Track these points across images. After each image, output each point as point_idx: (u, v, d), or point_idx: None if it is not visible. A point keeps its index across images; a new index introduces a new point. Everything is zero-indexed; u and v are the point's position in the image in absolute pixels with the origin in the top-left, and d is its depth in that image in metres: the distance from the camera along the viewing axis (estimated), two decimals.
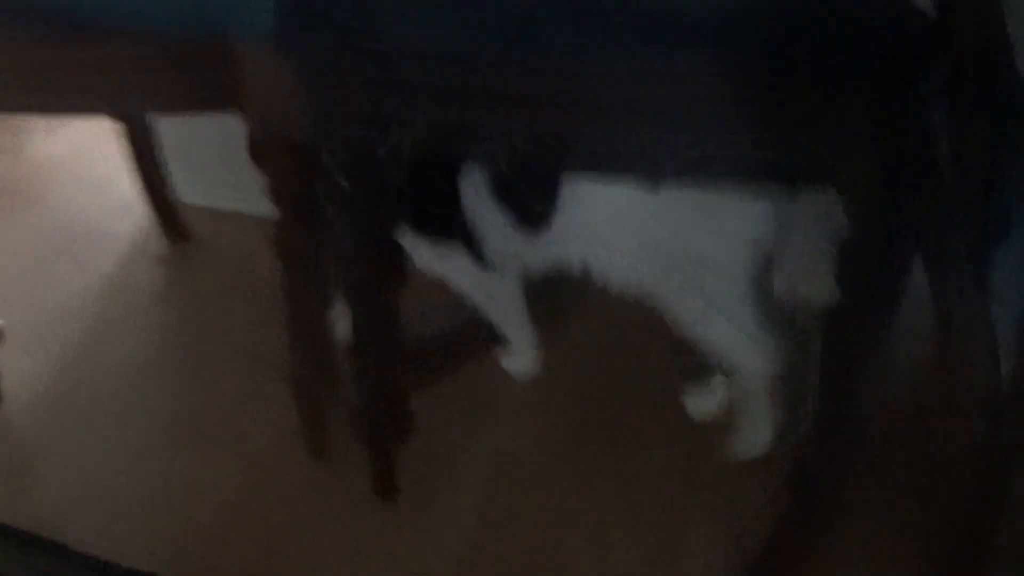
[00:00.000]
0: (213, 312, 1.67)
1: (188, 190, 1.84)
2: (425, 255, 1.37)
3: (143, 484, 1.36)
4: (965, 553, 1.01)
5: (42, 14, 1.09)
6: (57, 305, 1.70)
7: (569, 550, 1.28)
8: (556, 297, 1.58)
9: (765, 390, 1.32)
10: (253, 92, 1.08)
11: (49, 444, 1.43)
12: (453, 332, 1.55)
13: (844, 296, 0.99)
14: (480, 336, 1.51)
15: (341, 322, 1.28)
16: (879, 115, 0.91)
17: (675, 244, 1.23)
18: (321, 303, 1.27)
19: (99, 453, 1.41)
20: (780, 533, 1.17)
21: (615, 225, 1.25)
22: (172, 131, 1.70)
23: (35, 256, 1.81)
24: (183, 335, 1.64)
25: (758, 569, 1.21)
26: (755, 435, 1.35)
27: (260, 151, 1.13)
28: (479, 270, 1.38)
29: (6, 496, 1.35)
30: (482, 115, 1.02)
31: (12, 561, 1.27)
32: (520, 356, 1.52)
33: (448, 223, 1.33)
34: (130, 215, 1.86)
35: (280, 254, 1.20)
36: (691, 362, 1.36)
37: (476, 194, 1.30)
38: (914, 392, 1.12)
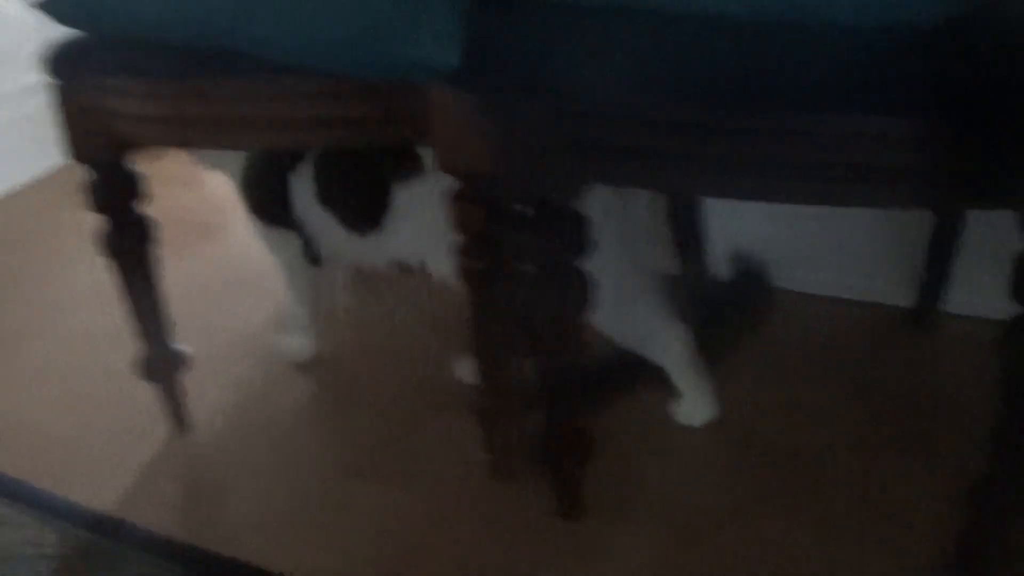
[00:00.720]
0: (395, 337, 1.70)
1: None
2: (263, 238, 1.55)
3: (328, 507, 1.38)
4: None
5: (230, 51, 1.13)
6: (241, 333, 1.76)
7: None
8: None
9: (690, 367, 1.44)
10: (438, 131, 1.09)
11: (235, 469, 1.46)
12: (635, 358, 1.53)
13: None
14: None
15: (525, 348, 1.29)
16: None
17: None
18: (506, 330, 1.27)
19: (285, 477, 1.44)
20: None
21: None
22: None
23: (219, 284, 1.88)
24: (366, 360, 1.67)
25: None
26: (696, 405, 1.47)
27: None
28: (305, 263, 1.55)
29: (195, 519, 1.39)
30: (660, 171, 1.02)
31: None
32: None
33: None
34: None
35: (466, 282, 1.21)
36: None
37: (305, 196, 1.46)
38: None
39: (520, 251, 1.16)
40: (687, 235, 1.64)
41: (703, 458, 1.42)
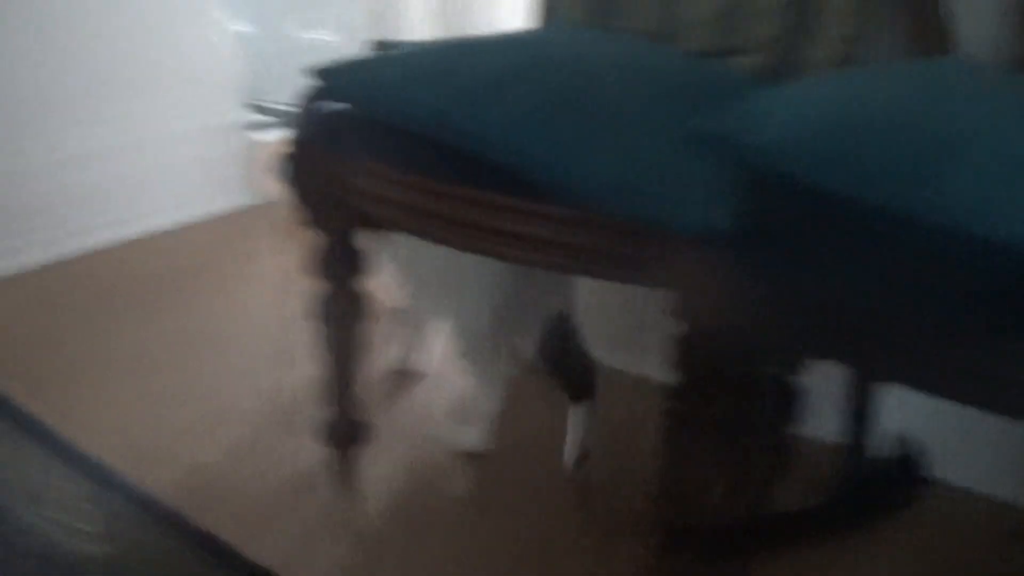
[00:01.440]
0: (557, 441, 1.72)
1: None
2: None
3: None
4: None
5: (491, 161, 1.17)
6: (418, 415, 1.81)
7: None
8: None
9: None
10: (680, 278, 1.12)
11: (393, 548, 1.48)
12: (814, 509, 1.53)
13: None
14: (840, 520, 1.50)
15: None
16: None
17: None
18: (700, 478, 1.28)
19: (437, 563, 1.45)
20: None
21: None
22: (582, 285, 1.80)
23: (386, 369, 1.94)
24: (538, 459, 1.69)
25: None
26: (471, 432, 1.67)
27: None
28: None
29: None
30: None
31: None
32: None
33: None
34: None
35: (667, 421, 1.23)
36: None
37: None
38: None
39: (728, 410, 1.18)
40: (858, 408, 1.64)
41: None
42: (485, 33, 2.52)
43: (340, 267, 1.40)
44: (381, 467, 1.62)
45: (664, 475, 1.27)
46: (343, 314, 1.42)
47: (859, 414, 1.65)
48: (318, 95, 1.37)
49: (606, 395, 1.79)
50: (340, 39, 3.69)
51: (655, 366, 1.67)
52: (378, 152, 1.29)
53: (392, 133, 1.26)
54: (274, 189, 2.81)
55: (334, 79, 1.31)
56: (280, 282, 2.35)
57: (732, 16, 1.45)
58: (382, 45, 2.40)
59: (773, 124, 1.09)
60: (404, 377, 1.93)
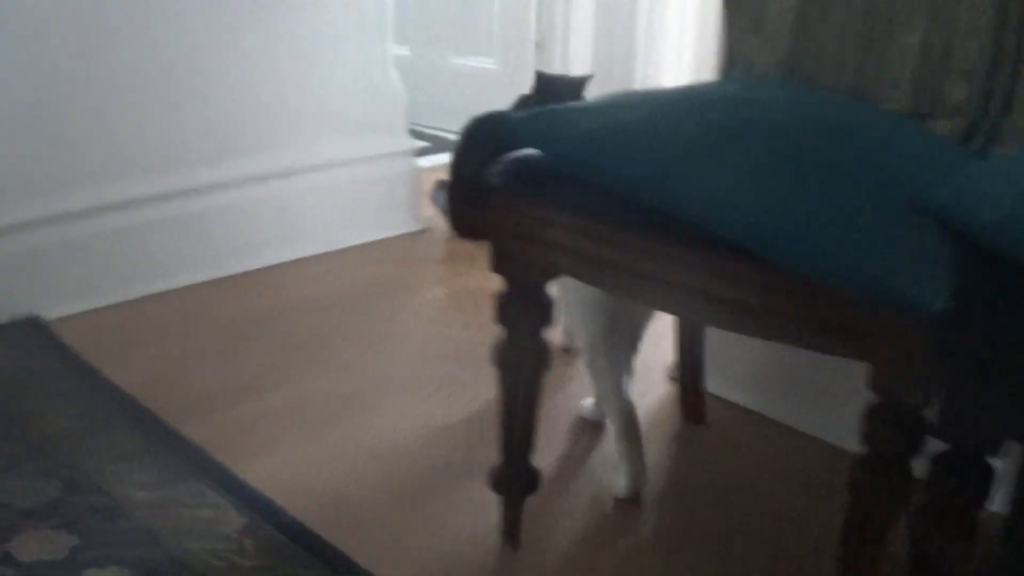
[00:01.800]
0: (719, 497, 1.69)
1: (717, 381, 1.95)
2: None
3: None
4: None
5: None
6: (581, 460, 1.80)
7: None
8: None
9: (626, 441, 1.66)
10: (879, 350, 1.09)
11: None
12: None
13: None
14: None
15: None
16: None
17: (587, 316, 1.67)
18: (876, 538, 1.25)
19: None
20: None
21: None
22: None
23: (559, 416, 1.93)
24: (685, 517, 1.65)
25: None
26: (620, 477, 1.66)
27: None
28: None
29: None
30: None
31: None
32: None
33: None
34: (656, 388, 1.99)
35: (853, 490, 1.20)
36: None
37: None
38: None
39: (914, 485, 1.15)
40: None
41: None
42: (656, 72, 2.51)
43: (523, 315, 1.39)
44: (546, 515, 1.61)
45: (846, 543, 1.24)
46: (523, 361, 1.41)
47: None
48: (498, 138, 1.37)
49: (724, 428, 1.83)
50: (498, 67, 3.72)
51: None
52: (571, 203, 1.28)
53: (583, 185, 1.25)
54: (434, 215, 2.86)
55: (525, 127, 1.31)
56: (440, 312, 2.38)
57: (931, 77, 1.42)
58: (542, 77, 2.42)
59: (994, 201, 1.06)
60: (584, 423, 1.91)
